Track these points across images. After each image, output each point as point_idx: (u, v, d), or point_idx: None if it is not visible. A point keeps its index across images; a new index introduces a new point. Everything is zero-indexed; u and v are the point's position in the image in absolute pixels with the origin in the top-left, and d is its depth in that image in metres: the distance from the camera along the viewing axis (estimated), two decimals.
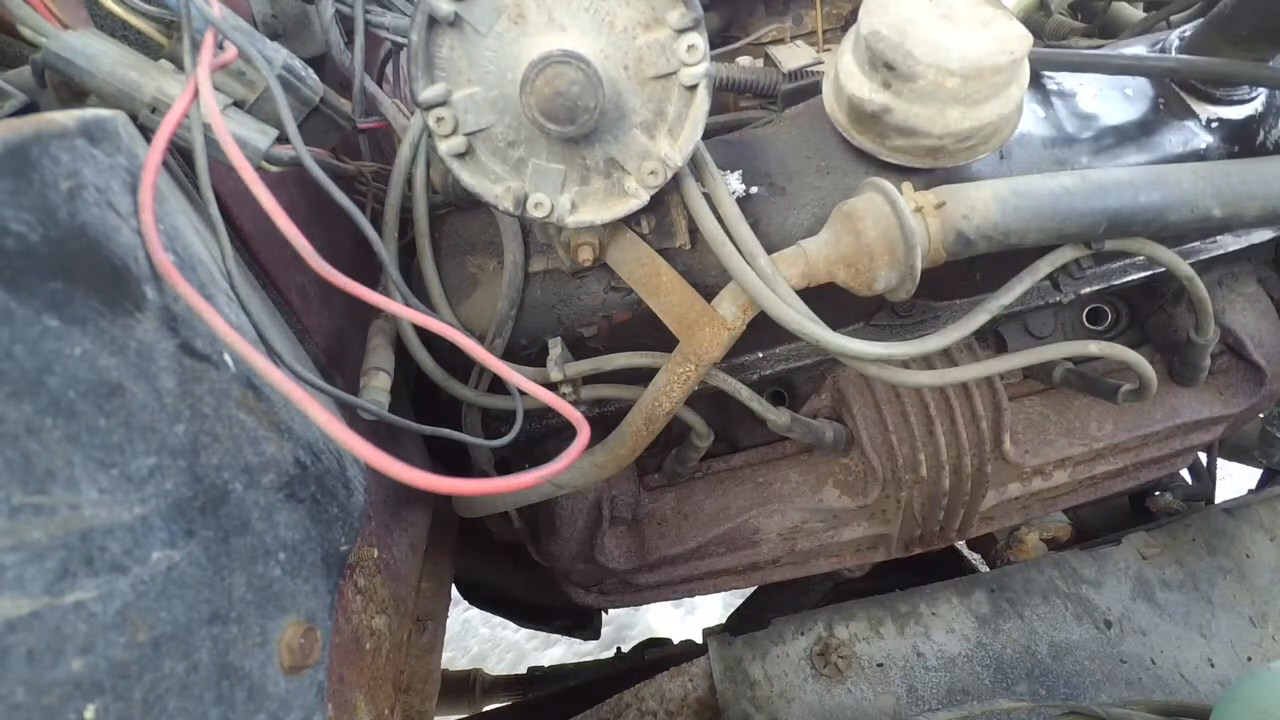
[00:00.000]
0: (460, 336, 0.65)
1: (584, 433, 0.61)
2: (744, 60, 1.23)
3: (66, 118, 0.43)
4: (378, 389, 0.77)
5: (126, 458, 0.41)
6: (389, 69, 1.16)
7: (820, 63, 1.16)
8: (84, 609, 0.38)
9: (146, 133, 0.53)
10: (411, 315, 0.63)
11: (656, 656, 1.59)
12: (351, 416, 0.79)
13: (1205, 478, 1.34)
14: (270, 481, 0.53)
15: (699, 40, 0.64)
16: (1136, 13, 1.25)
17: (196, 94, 0.52)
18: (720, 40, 1.48)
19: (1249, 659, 1.00)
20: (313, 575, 0.56)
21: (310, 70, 0.69)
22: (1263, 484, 1.50)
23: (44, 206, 0.40)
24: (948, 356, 1.02)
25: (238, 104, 0.61)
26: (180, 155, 0.62)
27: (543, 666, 1.75)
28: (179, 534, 0.44)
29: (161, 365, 0.45)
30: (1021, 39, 0.75)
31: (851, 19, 1.45)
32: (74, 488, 0.38)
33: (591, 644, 2.51)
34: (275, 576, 0.52)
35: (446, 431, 0.73)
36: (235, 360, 0.51)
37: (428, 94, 0.64)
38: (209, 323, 0.46)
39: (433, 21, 0.62)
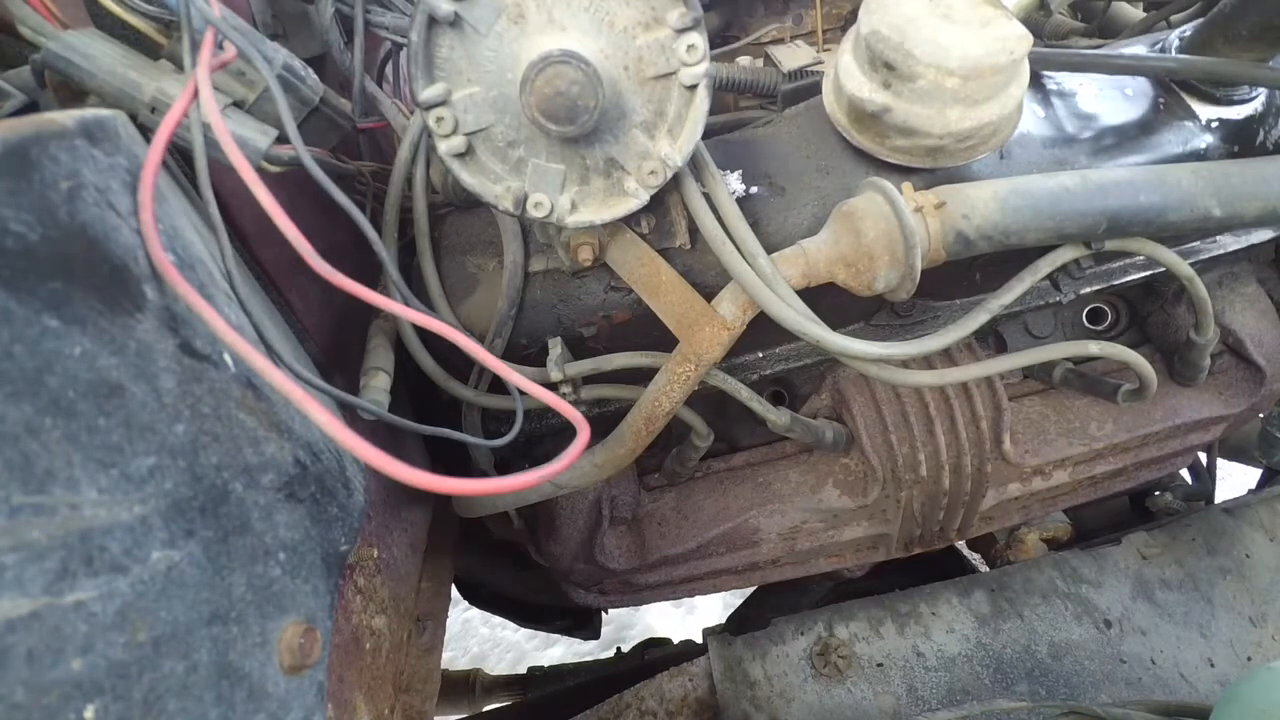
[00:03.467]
0: (460, 336, 0.65)
1: (584, 433, 0.61)
2: (744, 60, 1.23)
3: (66, 118, 0.43)
4: (378, 389, 0.77)
5: (126, 458, 0.41)
6: (389, 69, 1.16)
7: (820, 63, 1.17)
8: (84, 609, 0.38)
9: (146, 133, 0.53)
10: (411, 315, 0.63)
11: (656, 656, 1.58)
12: (351, 416, 0.79)
13: (1205, 478, 1.34)
14: (270, 481, 0.53)
15: (699, 40, 0.64)
16: (1136, 13, 1.25)
17: (196, 94, 0.52)
18: (720, 40, 1.48)
19: (1249, 659, 1.00)
20: (313, 575, 0.56)
21: (310, 70, 0.69)
22: (1263, 484, 1.50)
23: (44, 206, 0.40)
24: (948, 356, 1.02)
25: (238, 104, 0.61)
26: (180, 155, 0.62)
27: (543, 666, 1.75)
28: (179, 534, 0.44)
29: (161, 365, 0.45)
30: (1021, 39, 0.75)
31: (851, 19, 1.45)
32: (74, 488, 0.38)
33: (591, 644, 2.51)
34: (275, 576, 0.52)
35: (446, 431, 0.73)
36: (235, 360, 0.51)
37: (428, 94, 0.64)
38: (209, 323, 0.46)
39: (433, 21, 0.62)
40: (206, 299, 0.47)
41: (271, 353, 0.54)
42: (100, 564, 0.39)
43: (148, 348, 0.44)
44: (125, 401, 0.42)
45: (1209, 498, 1.32)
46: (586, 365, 0.85)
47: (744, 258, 0.76)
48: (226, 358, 0.51)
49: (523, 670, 1.76)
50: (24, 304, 0.38)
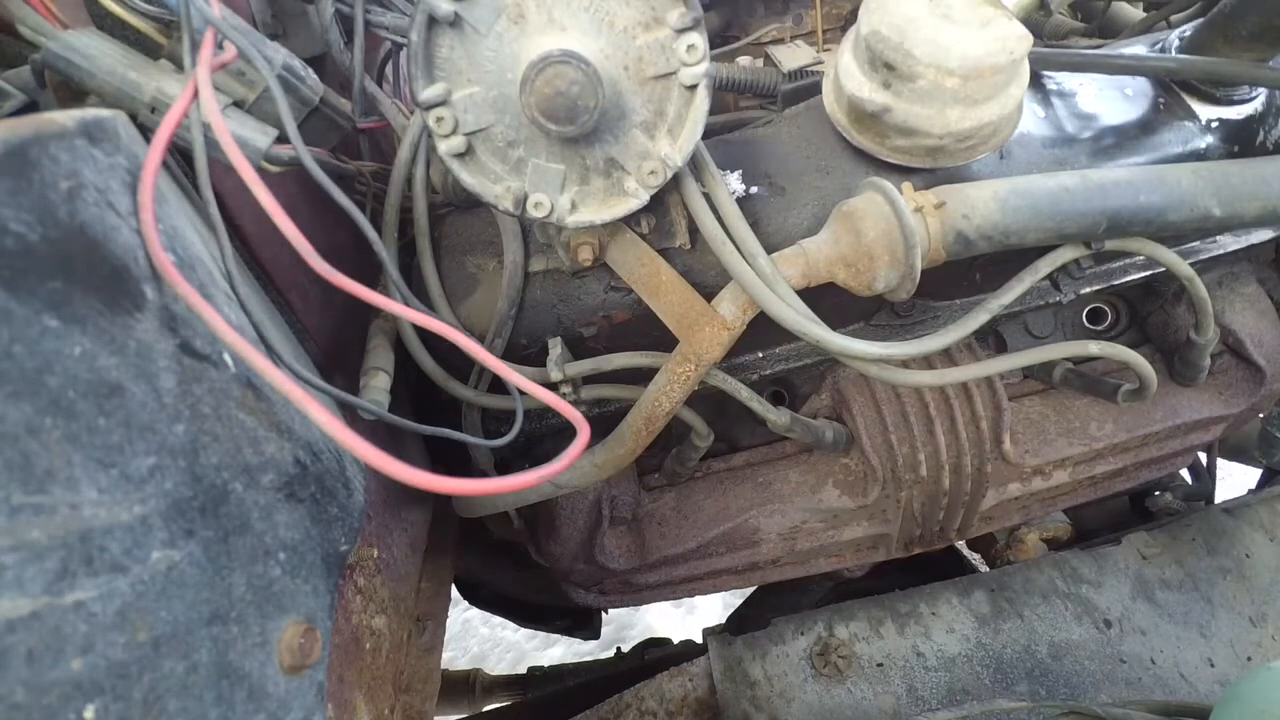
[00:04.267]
0: (460, 336, 0.65)
1: (584, 433, 0.61)
2: (744, 60, 1.23)
3: (66, 118, 0.43)
4: (378, 389, 0.77)
5: (126, 458, 0.41)
6: (389, 69, 1.16)
7: (820, 63, 1.17)
8: (84, 609, 0.38)
9: (146, 133, 0.53)
10: (411, 315, 0.63)
11: (656, 656, 1.58)
12: (351, 416, 0.79)
13: (1205, 478, 1.34)
14: (270, 481, 0.53)
15: (699, 40, 0.64)
16: (1136, 13, 1.25)
17: (196, 94, 0.52)
18: (720, 40, 1.48)
19: (1249, 659, 1.00)
20: (313, 575, 0.56)
21: (310, 70, 0.69)
22: (1263, 484, 1.50)
23: (44, 206, 0.40)
24: (948, 356, 1.02)
25: (238, 104, 0.61)
26: (180, 155, 0.62)
27: (543, 666, 1.75)
28: (179, 534, 0.44)
29: (161, 365, 0.45)
30: (1021, 39, 0.75)
31: (851, 19, 1.45)
32: (74, 488, 0.38)
33: (591, 644, 2.51)
34: (275, 576, 0.52)
35: (446, 431, 0.73)
36: (235, 360, 0.51)
37: (428, 94, 0.64)
38: (209, 323, 0.46)
39: (433, 21, 0.62)
40: (206, 299, 0.47)
41: (271, 353, 0.54)
42: (100, 564, 0.39)
43: (148, 348, 0.44)
44: (125, 401, 0.42)
45: (1209, 498, 1.32)
46: (586, 365, 0.85)
47: (744, 258, 0.76)
48: (226, 358, 0.51)
49: (523, 670, 1.76)
50: (24, 304, 0.38)
